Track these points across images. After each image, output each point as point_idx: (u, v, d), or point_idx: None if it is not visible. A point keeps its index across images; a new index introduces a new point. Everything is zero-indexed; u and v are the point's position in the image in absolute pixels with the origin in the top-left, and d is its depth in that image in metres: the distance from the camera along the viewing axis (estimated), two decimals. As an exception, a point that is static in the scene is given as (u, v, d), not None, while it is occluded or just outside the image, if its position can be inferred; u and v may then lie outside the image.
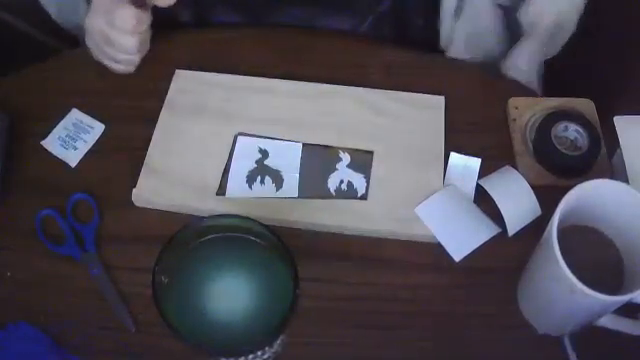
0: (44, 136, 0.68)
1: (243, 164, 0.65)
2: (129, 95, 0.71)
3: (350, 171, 0.65)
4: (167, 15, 0.71)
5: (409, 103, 0.69)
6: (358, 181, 0.65)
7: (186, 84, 0.70)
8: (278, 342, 0.51)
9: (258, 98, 0.69)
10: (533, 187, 0.64)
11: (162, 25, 0.71)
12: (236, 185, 0.64)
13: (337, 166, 0.66)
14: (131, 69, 0.70)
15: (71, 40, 0.87)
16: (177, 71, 0.71)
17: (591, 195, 0.52)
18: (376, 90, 0.70)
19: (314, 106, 0.69)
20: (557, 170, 0.65)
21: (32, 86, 0.72)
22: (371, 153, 0.66)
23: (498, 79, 0.73)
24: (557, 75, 0.80)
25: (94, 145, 0.68)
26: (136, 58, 0.69)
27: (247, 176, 0.65)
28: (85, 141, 0.68)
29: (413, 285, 0.60)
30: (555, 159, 0.64)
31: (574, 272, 0.48)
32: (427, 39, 0.78)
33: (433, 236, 0.62)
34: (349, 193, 0.64)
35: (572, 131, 0.65)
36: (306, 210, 0.63)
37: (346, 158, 0.66)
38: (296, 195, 0.64)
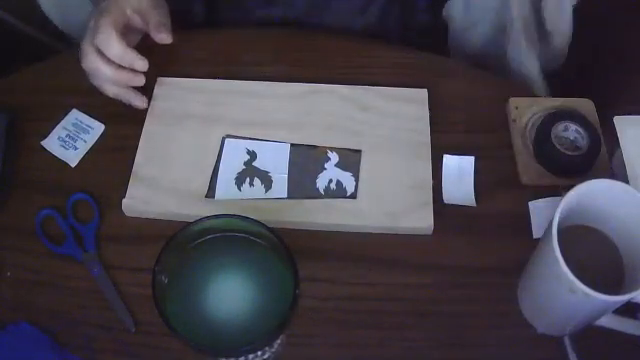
0: (44, 136, 0.68)
1: (231, 166, 0.66)
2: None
3: (339, 170, 0.65)
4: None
5: (392, 98, 0.69)
6: (347, 180, 0.65)
7: (169, 91, 0.70)
8: (278, 342, 0.51)
9: (242, 101, 0.70)
10: (533, 187, 0.64)
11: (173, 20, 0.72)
12: (225, 187, 0.64)
13: (325, 165, 0.66)
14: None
15: (71, 40, 0.87)
16: (159, 79, 0.71)
17: (591, 195, 0.52)
18: (359, 87, 0.70)
19: (299, 106, 0.69)
20: (557, 170, 0.65)
21: (32, 86, 0.72)
22: (359, 152, 0.66)
23: (498, 79, 0.73)
24: (557, 75, 0.80)
25: (94, 145, 0.68)
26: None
27: (236, 178, 0.65)
28: (85, 141, 0.68)
29: (413, 285, 0.60)
30: (555, 159, 0.64)
31: (574, 272, 0.48)
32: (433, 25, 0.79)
33: (424, 229, 0.62)
34: (338, 192, 0.64)
35: (572, 131, 0.65)
36: (296, 210, 0.63)
37: (334, 157, 0.66)
38: (285, 196, 0.64)
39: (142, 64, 0.66)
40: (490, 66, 0.82)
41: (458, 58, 0.84)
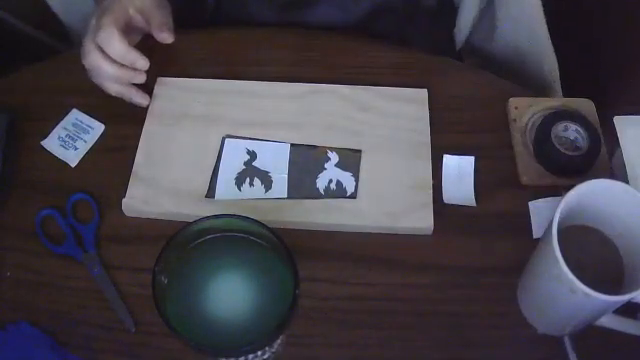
0: (44, 136, 0.68)
1: (231, 166, 0.66)
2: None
3: (339, 170, 0.65)
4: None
5: (392, 98, 0.69)
6: (347, 180, 0.65)
7: (169, 91, 0.70)
8: (278, 342, 0.51)
9: (242, 101, 0.70)
10: (533, 187, 0.64)
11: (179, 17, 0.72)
12: (225, 187, 0.64)
13: (325, 165, 0.66)
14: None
15: (71, 40, 0.87)
16: (159, 78, 0.71)
17: (591, 195, 0.52)
18: (359, 87, 0.70)
19: (299, 106, 0.69)
20: (557, 170, 0.65)
21: (32, 86, 0.72)
22: (359, 152, 0.66)
23: (498, 79, 0.73)
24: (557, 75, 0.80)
25: (94, 145, 0.68)
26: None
27: (236, 178, 0.65)
28: (85, 141, 0.68)
29: (413, 285, 0.60)
30: (555, 159, 0.64)
31: (574, 272, 0.48)
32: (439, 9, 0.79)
33: (424, 229, 0.62)
34: (338, 192, 0.64)
35: (572, 131, 0.65)
36: (296, 210, 0.63)
37: (334, 157, 0.66)
38: (285, 196, 0.64)
39: (143, 63, 0.66)
40: (498, 58, 0.82)
41: (465, 50, 0.84)
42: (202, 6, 0.82)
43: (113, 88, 0.67)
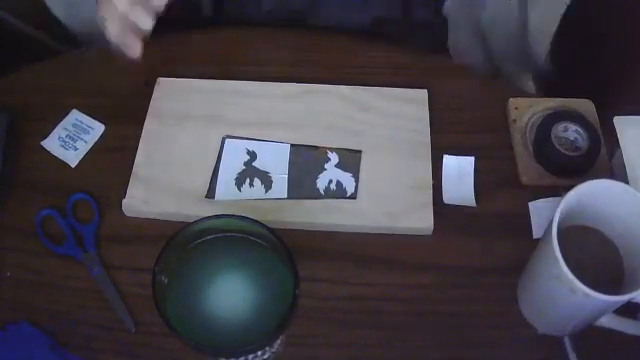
0: (44, 136, 0.68)
1: (231, 166, 0.66)
2: (129, 95, 0.71)
3: (339, 171, 0.65)
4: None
5: (393, 98, 0.70)
6: (347, 180, 0.65)
7: (169, 91, 0.70)
8: (278, 342, 0.51)
9: (242, 101, 0.70)
10: (533, 187, 0.64)
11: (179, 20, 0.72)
12: (225, 188, 0.64)
13: (325, 166, 0.66)
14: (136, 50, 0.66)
15: (71, 41, 0.87)
16: (159, 79, 0.71)
17: (591, 195, 0.52)
18: (360, 87, 0.70)
19: (299, 106, 0.69)
20: (557, 170, 0.65)
21: (32, 86, 0.72)
22: (359, 152, 0.66)
23: (498, 79, 0.73)
24: (557, 75, 0.80)
25: (94, 145, 0.68)
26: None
27: (236, 178, 0.65)
28: (85, 141, 0.68)
29: (413, 285, 0.60)
30: (555, 159, 0.64)
31: (574, 272, 0.48)
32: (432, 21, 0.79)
33: (424, 229, 0.62)
34: (338, 193, 0.64)
35: (572, 131, 0.65)
36: (296, 211, 0.63)
37: (334, 158, 0.66)
38: (285, 196, 0.64)
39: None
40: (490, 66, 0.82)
41: (457, 57, 0.84)
42: (199, 5, 0.82)
43: (114, 31, 0.64)
